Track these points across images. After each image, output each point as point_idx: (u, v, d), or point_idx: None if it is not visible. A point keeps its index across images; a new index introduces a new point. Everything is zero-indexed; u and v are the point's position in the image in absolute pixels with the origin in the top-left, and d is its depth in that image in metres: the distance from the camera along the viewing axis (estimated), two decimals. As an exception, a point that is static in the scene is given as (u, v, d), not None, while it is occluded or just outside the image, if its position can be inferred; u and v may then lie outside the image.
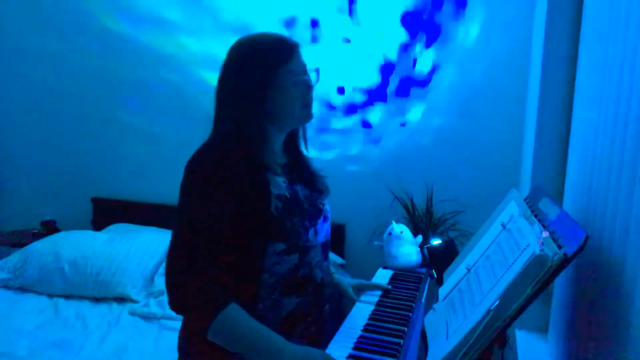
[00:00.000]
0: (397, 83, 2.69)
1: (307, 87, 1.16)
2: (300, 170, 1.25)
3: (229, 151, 1.11)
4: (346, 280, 1.46)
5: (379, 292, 1.48)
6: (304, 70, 1.17)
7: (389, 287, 1.50)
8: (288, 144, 1.26)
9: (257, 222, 1.10)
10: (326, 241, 1.26)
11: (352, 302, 1.43)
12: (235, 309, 1.04)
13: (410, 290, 1.52)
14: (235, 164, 1.09)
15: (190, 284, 1.03)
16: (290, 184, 1.18)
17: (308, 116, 1.19)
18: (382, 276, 1.67)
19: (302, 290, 1.17)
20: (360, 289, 1.47)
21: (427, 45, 2.64)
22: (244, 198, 1.09)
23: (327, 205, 1.28)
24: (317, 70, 1.19)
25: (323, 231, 1.24)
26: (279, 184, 1.15)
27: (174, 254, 1.06)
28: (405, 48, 2.66)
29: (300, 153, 1.29)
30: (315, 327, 1.21)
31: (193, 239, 1.05)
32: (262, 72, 1.12)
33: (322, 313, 1.23)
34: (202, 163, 1.09)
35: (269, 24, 2.77)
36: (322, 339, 1.22)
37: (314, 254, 1.19)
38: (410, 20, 2.63)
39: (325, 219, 1.25)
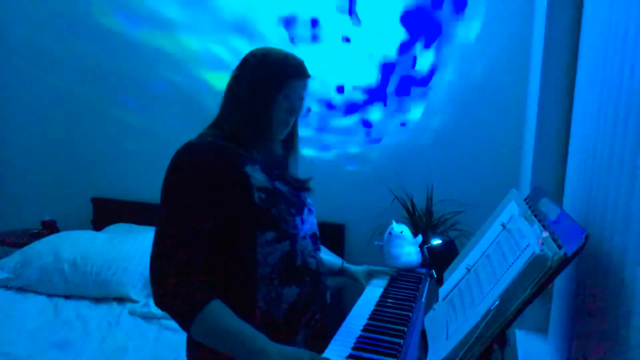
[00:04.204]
0: (397, 82, 2.69)
1: (293, 110, 1.22)
2: (280, 171, 1.28)
3: (210, 148, 1.14)
4: (356, 268, 1.55)
5: (385, 281, 1.55)
6: (301, 96, 1.23)
7: (395, 273, 1.60)
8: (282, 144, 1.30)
9: (242, 213, 1.13)
10: (314, 234, 1.28)
11: (363, 288, 1.51)
12: (218, 307, 1.03)
13: (410, 290, 1.52)
14: (215, 160, 1.12)
15: (172, 283, 1.03)
16: (271, 180, 1.20)
17: (278, 133, 1.24)
18: (382, 276, 1.68)
19: (300, 280, 1.19)
20: (369, 274, 1.56)
21: (427, 44, 2.64)
22: (226, 193, 1.11)
23: (310, 200, 1.31)
24: (308, 108, 1.25)
25: (309, 223, 1.26)
26: (260, 178, 1.17)
27: (155, 253, 1.07)
28: (405, 47, 2.66)
29: (286, 155, 1.31)
30: (319, 315, 1.24)
31: (174, 238, 1.06)
32: (275, 77, 1.18)
33: (324, 301, 1.26)
34: (183, 161, 1.12)
35: (268, 22, 2.77)
36: (327, 328, 1.25)
37: (305, 243, 1.22)
38: (410, 19, 2.64)
39: (310, 211, 1.29)
